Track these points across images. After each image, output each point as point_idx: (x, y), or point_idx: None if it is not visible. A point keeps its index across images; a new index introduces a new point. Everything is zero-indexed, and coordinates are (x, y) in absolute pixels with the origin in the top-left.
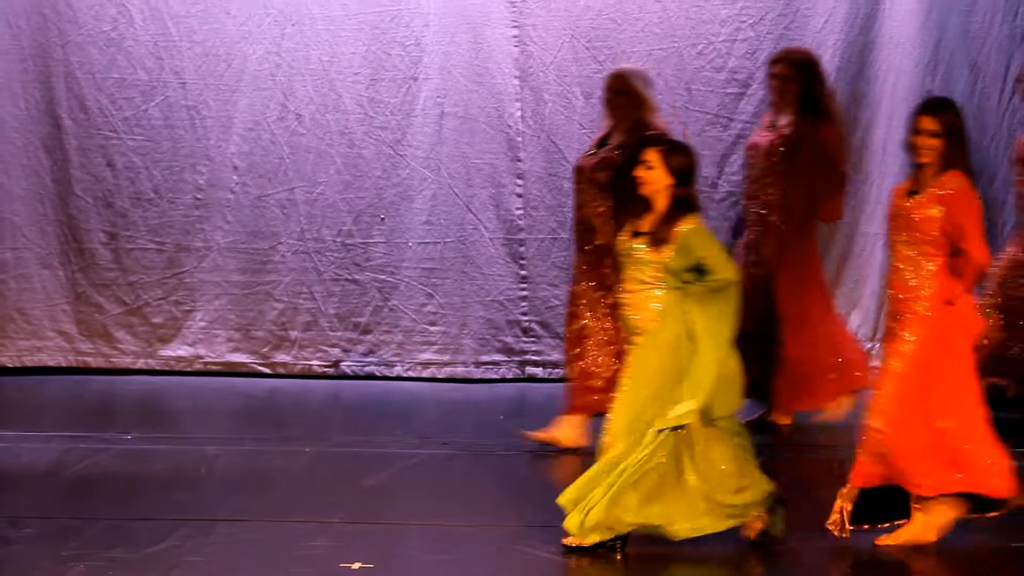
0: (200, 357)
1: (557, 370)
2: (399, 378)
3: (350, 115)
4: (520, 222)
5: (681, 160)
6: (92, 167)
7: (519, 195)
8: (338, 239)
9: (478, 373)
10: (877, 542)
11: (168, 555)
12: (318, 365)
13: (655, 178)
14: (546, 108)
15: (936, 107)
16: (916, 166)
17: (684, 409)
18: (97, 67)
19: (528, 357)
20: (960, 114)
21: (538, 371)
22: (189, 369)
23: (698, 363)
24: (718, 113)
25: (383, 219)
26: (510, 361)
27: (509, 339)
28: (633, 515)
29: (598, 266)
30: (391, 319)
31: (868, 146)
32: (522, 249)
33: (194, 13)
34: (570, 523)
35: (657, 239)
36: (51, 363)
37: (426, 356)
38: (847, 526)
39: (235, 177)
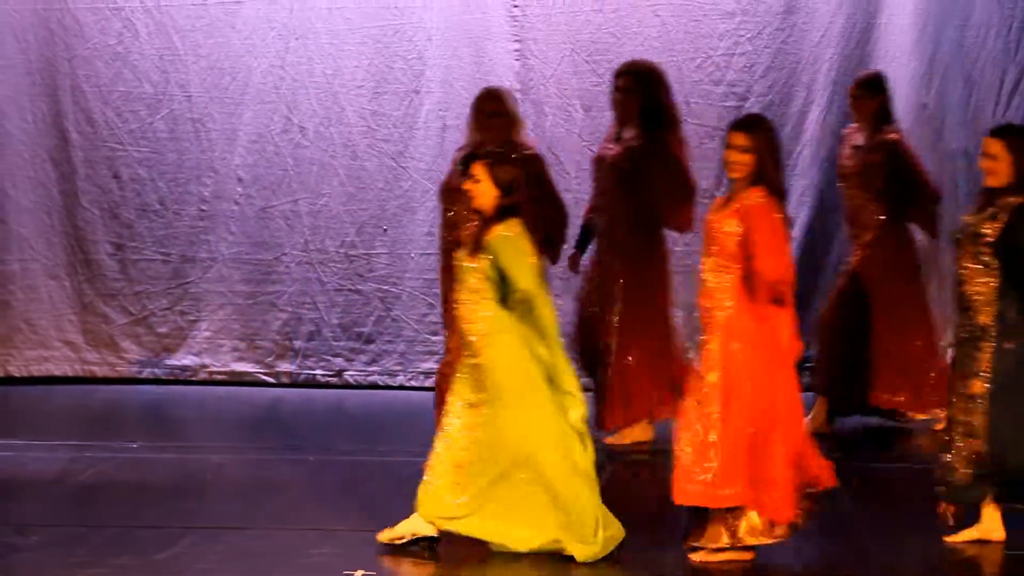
0: (205, 366)
1: None
2: (402, 387)
3: (353, 128)
4: None
5: (506, 172)
6: (98, 179)
7: None
8: (341, 250)
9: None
10: (693, 558)
11: (174, 562)
12: (322, 375)
13: (483, 191)
14: (547, 121)
15: (748, 124)
16: (731, 181)
17: (576, 415)
18: (103, 80)
19: None
20: (773, 131)
21: None
22: (194, 378)
23: (562, 368)
24: (716, 126)
25: (385, 230)
26: None
27: None
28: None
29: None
30: (394, 329)
31: None
32: None
33: (199, 27)
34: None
35: (474, 246)
36: (58, 372)
37: (428, 365)
38: (689, 543)
39: (239, 189)
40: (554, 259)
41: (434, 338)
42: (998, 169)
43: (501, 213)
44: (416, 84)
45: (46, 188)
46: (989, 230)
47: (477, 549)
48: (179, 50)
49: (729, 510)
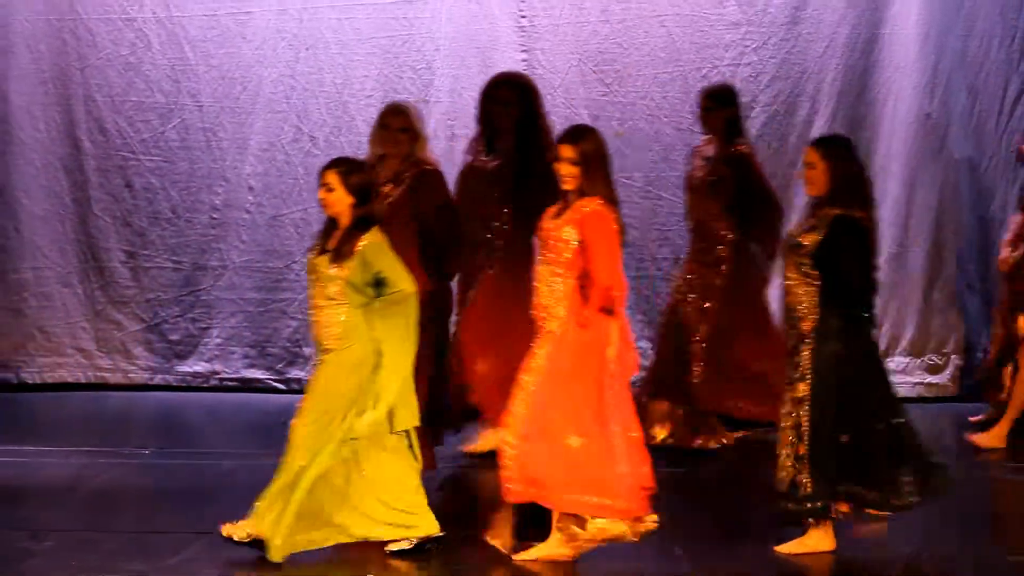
0: (216, 373)
1: None
2: None
3: (363, 137)
4: None
5: (359, 179)
6: (111, 187)
7: None
8: None
9: None
10: (514, 556)
11: (186, 567)
12: None
13: (336, 199)
14: (555, 130)
15: (574, 136)
16: (565, 192)
17: (370, 419)
18: (116, 90)
19: None
20: (599, 142)
21: None
22: (205, 385)
23: (382, 374)
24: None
25: None
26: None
27: None
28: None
29: None
30: None
31: (869, 167)
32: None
33: (210, 37)
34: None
35: (339, 254)
36: (70, 379)
37: None
38: (509, 542)
39: (250, 197)
40: (450, 273)
41: None
42: (816, 179)
43: (361, 221)
44: (425, 94)
45: (59, 196)
46: (808, 241)
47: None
48: (191, 60)
49: (567, 514)
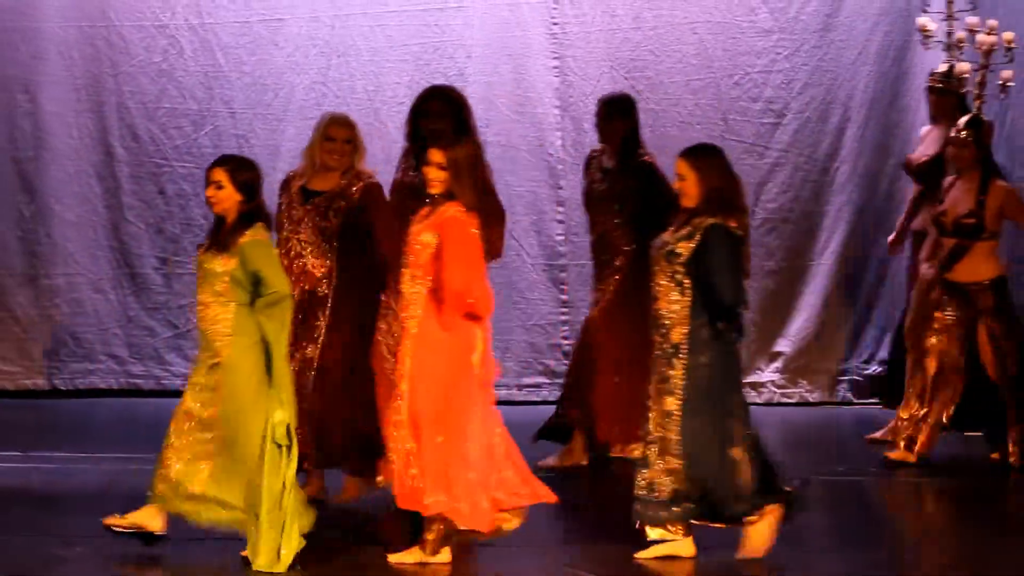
0: None
1: None
2: None
3: (395, 144)
4: (561, 248)
5: (247, 176)
6: (144, 194)
7: (560, 221)
8: None
9: (520, 395)
10: (391, 559)
11: (223, 574)
12: None
13: (225, 196)
14: (586, 137)
15: (446, 142)
16: (431, 196)
17: (280, 418)
18: (148, 97)
19: None
20: (472, 151)
21: None
22: None
23: (278, 374)
24: (754, 142)
25: None
26: (552, 384)
27: (551, 362)
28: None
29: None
30: None
31: (901, 175)
32: (563, 275)
33: (243, 44)
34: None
35: (223, 247)
36: (103, 386)
37: None
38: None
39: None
40: (384, 286)
41: None
42: (687, 190)
43: (247, 217)
44: None
45: (91, 203)
46: (684, 249)
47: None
48: (223, 67)
49: (434, 517)
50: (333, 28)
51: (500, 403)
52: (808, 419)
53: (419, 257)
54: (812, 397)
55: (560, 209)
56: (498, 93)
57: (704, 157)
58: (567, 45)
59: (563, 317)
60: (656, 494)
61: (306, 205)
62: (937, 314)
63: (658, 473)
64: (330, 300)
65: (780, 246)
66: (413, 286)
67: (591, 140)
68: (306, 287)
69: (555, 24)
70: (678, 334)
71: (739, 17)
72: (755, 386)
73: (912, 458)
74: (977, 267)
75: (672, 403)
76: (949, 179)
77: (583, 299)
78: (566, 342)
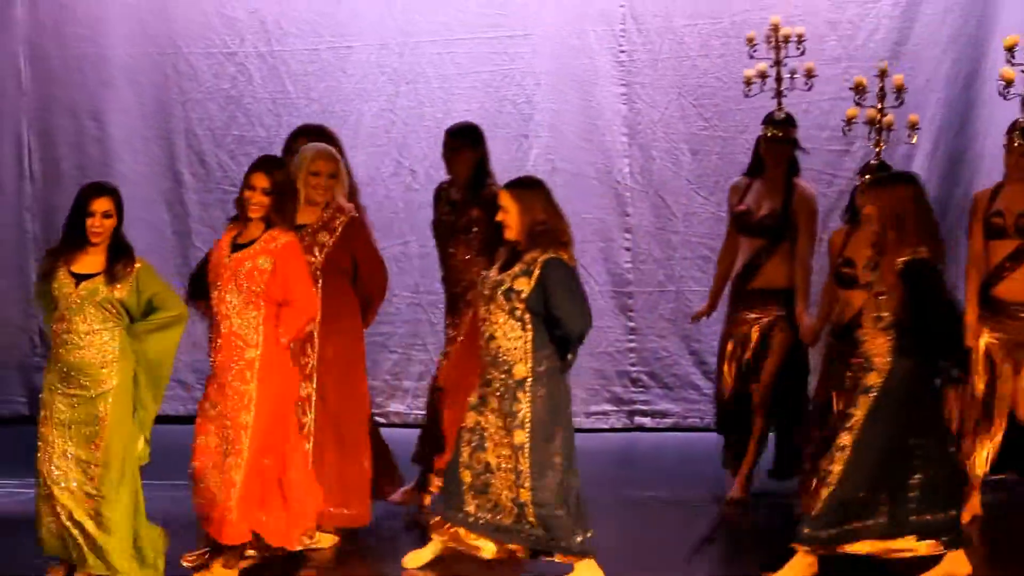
0: None
1: (666, 419)
2: None
3: None
4: (629, 275)
5: (120, 205)
6: (211, 221)
7: (627, 249)
8: None
9: (588, 423)
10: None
11: None
12: None
13: (109, 225)
14: (654, 164)
15: (268, 165)
16: (246, 219)
17: (142, 448)
18: (217, 124)
19: (637, 407)
20: (289, 173)
21: (646, 420)
22: None
23: (146, 398)
24: (822, 170)
25: None
26: (619, 411)
27: (618, 389)
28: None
29: None
30: None
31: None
32: (630, 302)
33: (311, 71)
34: None
35: (115, 276)
36: (170, 412)
37: None
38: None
39: None
40: (368, 321)
41: None
42: (511, 222)
43: (124, 245)
44: (525, 128)
45: (159, 230)
46: (523, 286)
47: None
48: (291, 94)
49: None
50: (402, 55)
51: None
52: None
53: (255, 283)
54: None
55: (627, 236)
56: (566, 120)
57: (526, 189)
58: (635, 72)
59: (630, 344)
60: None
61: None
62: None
63: (505, 505)
64: (316, 336)
65: None
66: (246, 313)
67: (659, 167)
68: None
69: (623, 51)
70: (522, 370)
71: (808, 47)
72: None
73: None
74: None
75: (521, 436)
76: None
77: (651, 326)
78: (633, 369)
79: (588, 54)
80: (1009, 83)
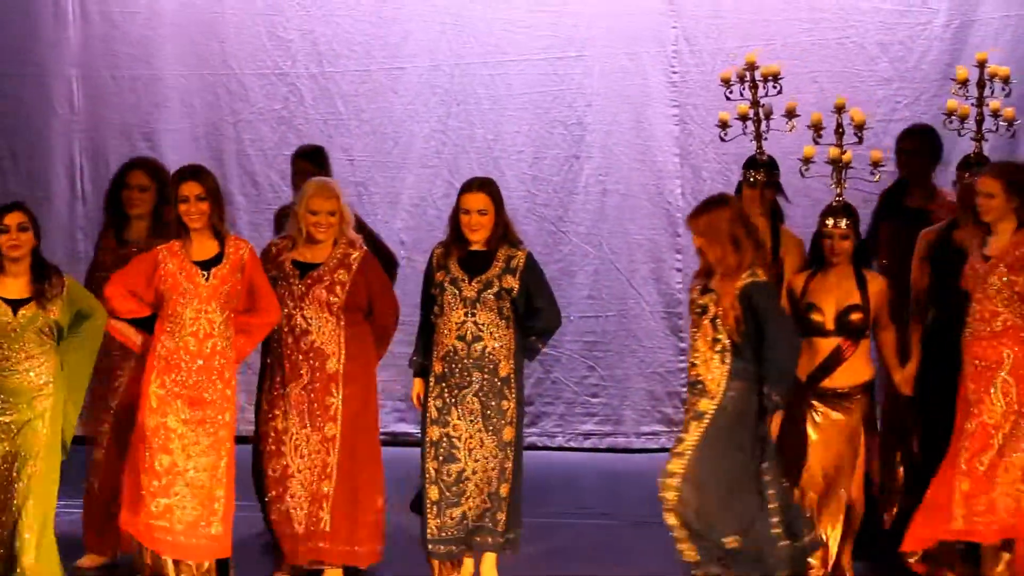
0: None
1: None
2: (560, 448)
3: (513, 192)
4: (680, 296)
5: (35, 220)
6: (263, 240)
7: (678, 269)
8: None
9: (639, 443)
10: None
11: None
12: None
13: (27, 239)
14: (705, 185)
15: (196, 172)
16: (187, 232)
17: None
18: (268, 144)
19: None
20: (215, 179)
21: None
22: None
23: (69, 408)
24: (873, 191)
25: None
26: (670, 431)
27: (669, 410)
28: None
29: None
30: (553, 391)
31: None
32: (681, 322)
33: (362, 92)
34: None
35: (47, 299)
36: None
37: (587, 427)
38: None
39: (402, 252)
40: (381, 353)
41: (594, 400)
42: (487, 223)
43: (44, 263)
44: (576, 149)
45: None
46: (512, 283)
47: None
48: (343, 115)
49: None
50: (453, 76)
51: (618, 451)
52: None
53: (229, 296)
54: None
55: (679, 257)
56: (617, 141)
57: (497, 191)
58: (687, 93)
59: (681, 364)
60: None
61: (305, 280)
62: None
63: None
64: (342, 375)
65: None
66: (229, 330)
67: (710, 188)
68: (316, 363)
69: (675, 72)
70: (506, 368)
71: (859, 67)
72: None
73: None
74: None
75: (509, 433)
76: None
77: None
78: (684, 390)
79: (640, 75)
80: (956, 114)
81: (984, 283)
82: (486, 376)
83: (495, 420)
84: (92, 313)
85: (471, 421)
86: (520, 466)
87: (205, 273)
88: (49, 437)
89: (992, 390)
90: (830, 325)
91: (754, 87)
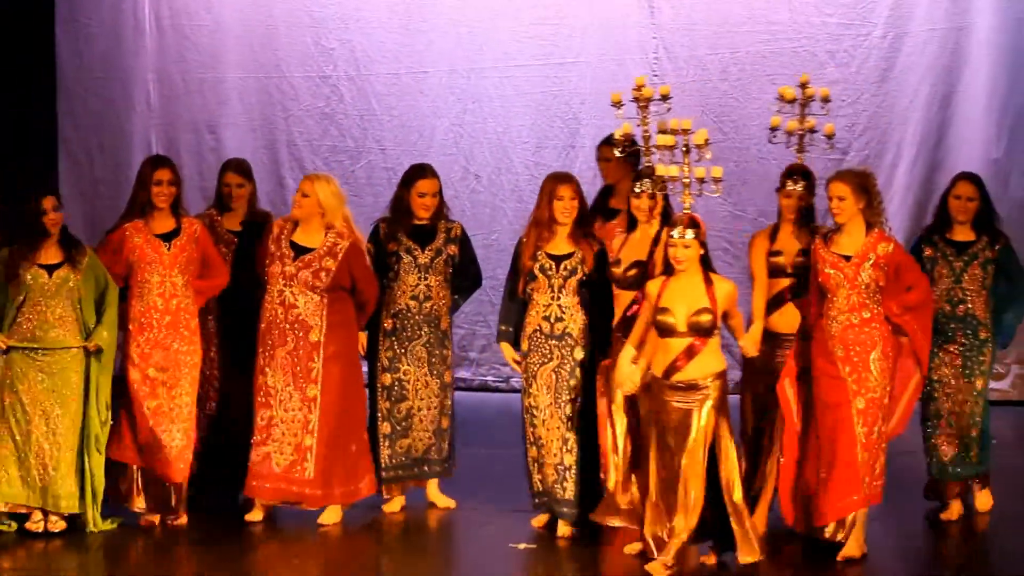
0: None
1: None
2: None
3: (519, 176)
4: None
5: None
6: None
7: None
8: None
9: None
10: None
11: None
12: (492, 380)
13: (59, 218)
14: None
15: (166, 161)
16: (153, 210)
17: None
18: (314, 136)
19: None
20: (178, 169)
21: None
22: None
23: (100, 376)
24: (822, 175)
25: None
26: None
27: None
28: None
29: None
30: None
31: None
32: None
33: (393, 92)
34: None
35: (75, 264)
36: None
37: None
38: None
39: None
40: (360, 323)
41: None
42: (431, 204)
43: (71, 236)
44: (572, 140)
45: None
46: (455, 251)
47: None
48: (376, 111)
49: None
50: (469, 79)
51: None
52: None
53: (179, 259)
54: None
55: None
56: (606, 134)
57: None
58: None
59: None
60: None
61: (297, 262)
62: None
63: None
64: (323, 344)
65: None
66: (182, 280)
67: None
68: (300, 333)
69: (655, 76)
70: (445, 322)
71: (811, 72)
72: None
73: None
74: None
75: (448, 376)
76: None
77: None
78: None
79: (626, 78)
80: (782, 130)
81: (852, 279)
82: (430, 331)
83: (438, 366)
84: (107, 282)
85: (418, 367)
86: (453, 403)
87: (167, 244)
88: (80, 384)
89: (872, 369)
90: (682, 327)
91: (643, 108)
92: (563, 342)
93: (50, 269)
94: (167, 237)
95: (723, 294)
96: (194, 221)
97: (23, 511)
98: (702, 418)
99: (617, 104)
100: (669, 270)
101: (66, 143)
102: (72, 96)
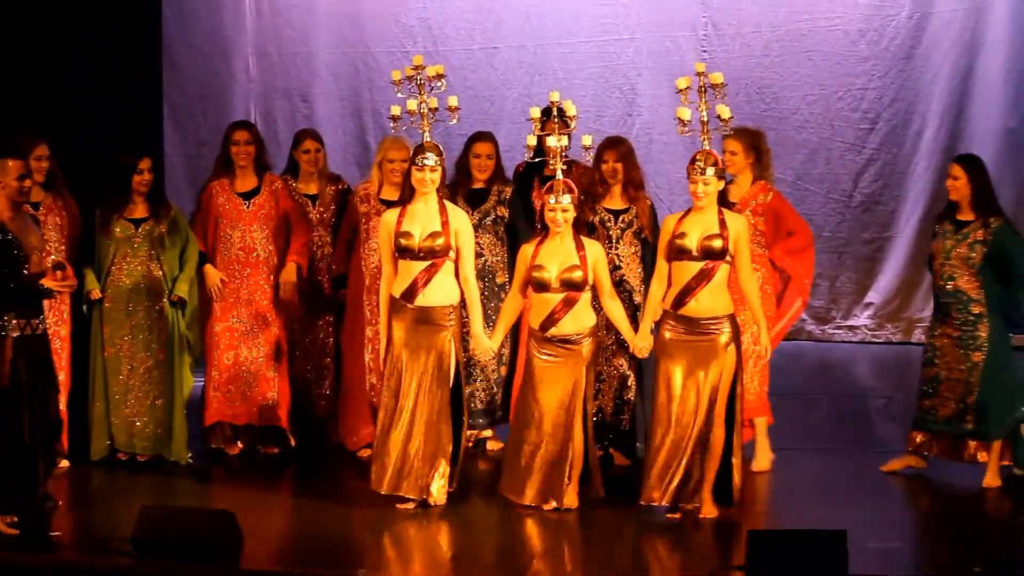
0: None
1: None
2: None
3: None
4: None
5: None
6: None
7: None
8: None
9: None
10: None
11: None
12: None
13: (151, 179)
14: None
15: (246, 124)
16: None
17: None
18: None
19: None
20: (258, 130)
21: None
22: None
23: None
24: (853, 143)
25: None
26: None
27: None
28: None
29: None
30: None
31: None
32: None
33: (467, 65)
34: None
35: (160, 217)
36: None
37: None
38: None
39: None
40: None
41: None
42: (489, 165)
43: (159, 195)
44: (629, 109)
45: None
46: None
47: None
48: (452, 83)
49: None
50: (536, 54)
51: None
52: (892, 354)
53: (259, 215)
54: (895, 338)
55: None
56: (660, 103)
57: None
58: (713, 67)
59: None
60: None
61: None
62: None
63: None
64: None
65: (873, 222)
66: (262, 234)
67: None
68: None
69: (704, 51)
70: (502, 276)
71: (844, 48)
72: (852, 328)
73: None
74: None
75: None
76: None
77: None
78: None
79: (678, 53)
80: (683, 122)
81: None
82: (486, 284)
83: (495, 317)
84: (189, 237)
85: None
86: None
87: (247, 202)
88: (168, 335)
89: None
90: (555, 283)
91: (420, 86)
92: (620, 288)
93: (136, 223)
94: (248, 196)
95: (593, 256)
96: (275, 179)
97: (121, 458)
98: (576, 373)
99: (397, 83)
100: (546, 231)
101: (172, 110)
102: (178, 67)
